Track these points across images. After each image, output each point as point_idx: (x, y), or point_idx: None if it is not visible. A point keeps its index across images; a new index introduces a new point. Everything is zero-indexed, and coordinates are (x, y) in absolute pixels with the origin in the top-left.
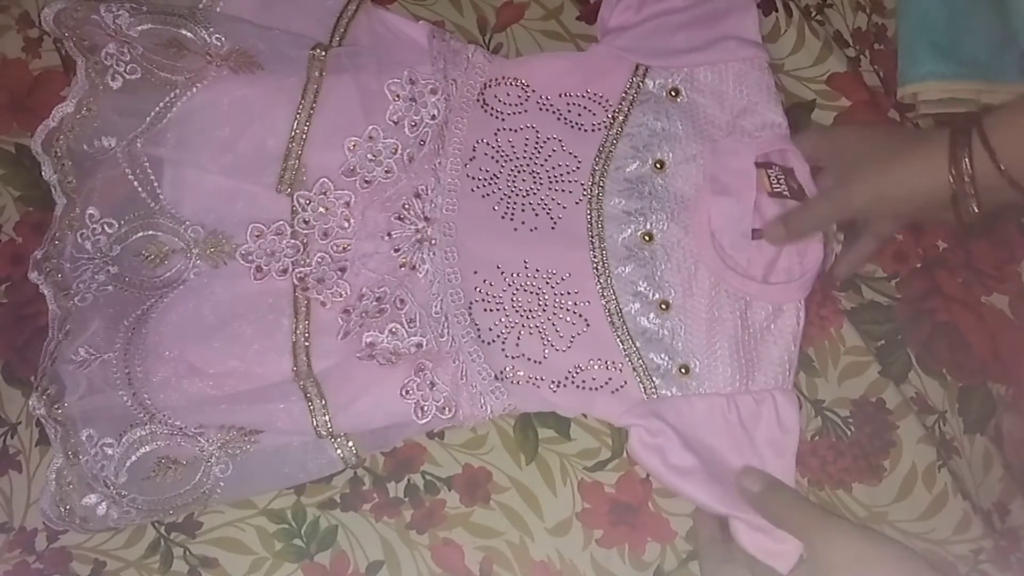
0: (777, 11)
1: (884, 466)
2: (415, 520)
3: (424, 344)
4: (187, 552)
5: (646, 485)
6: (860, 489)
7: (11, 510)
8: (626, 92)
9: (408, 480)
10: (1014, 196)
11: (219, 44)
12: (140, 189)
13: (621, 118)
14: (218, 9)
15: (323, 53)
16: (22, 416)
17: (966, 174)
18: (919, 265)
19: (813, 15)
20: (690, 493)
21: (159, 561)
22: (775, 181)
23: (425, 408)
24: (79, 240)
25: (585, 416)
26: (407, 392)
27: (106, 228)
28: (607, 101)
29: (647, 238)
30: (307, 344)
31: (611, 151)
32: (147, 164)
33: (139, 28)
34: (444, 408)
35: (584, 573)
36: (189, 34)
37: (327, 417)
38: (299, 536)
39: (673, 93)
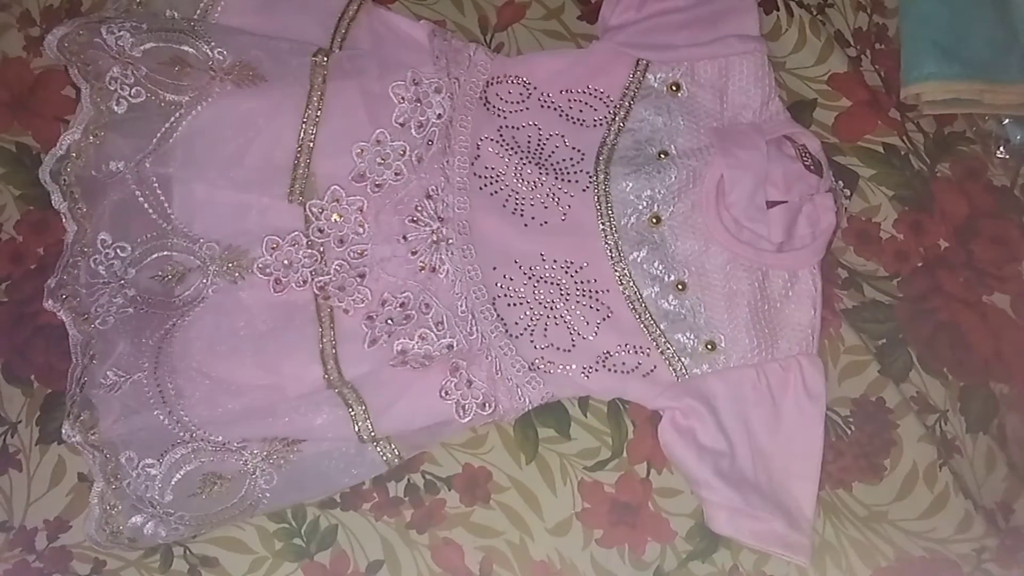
0: (778, 10)
1: (884, 465)
2: (415, 519)
3: (455, 345)
4: (187, 551)
5: (646, 485)
6: (860, 488)
7: (11, 509)
8: (627, 88)
9: (408, 479)
10: None
11: (221, 58)
12: (150, 210)
13: (623, 113)
14: (219, 9)
15: (325, 59)
16: (22, 415)
17: None
18: (920, 264)
19: (814, 14)
20: (709, 480)
21: (159, 560)
22: (801, 152)
23: (466, 407)
24: (92, 265)
25: (586, 416)
26: (446, 393)
27: (119, 252)
28: (608, 97)
29: (655, 221)
30: (335, 351)
31: (614, 145)
32: (156, 184)
33: (142, 48)
34: (484, 404)
35: (584, 573)
36: (191, 50)
37: (368, 422)
38: (299, 535)
39: (674, 88)
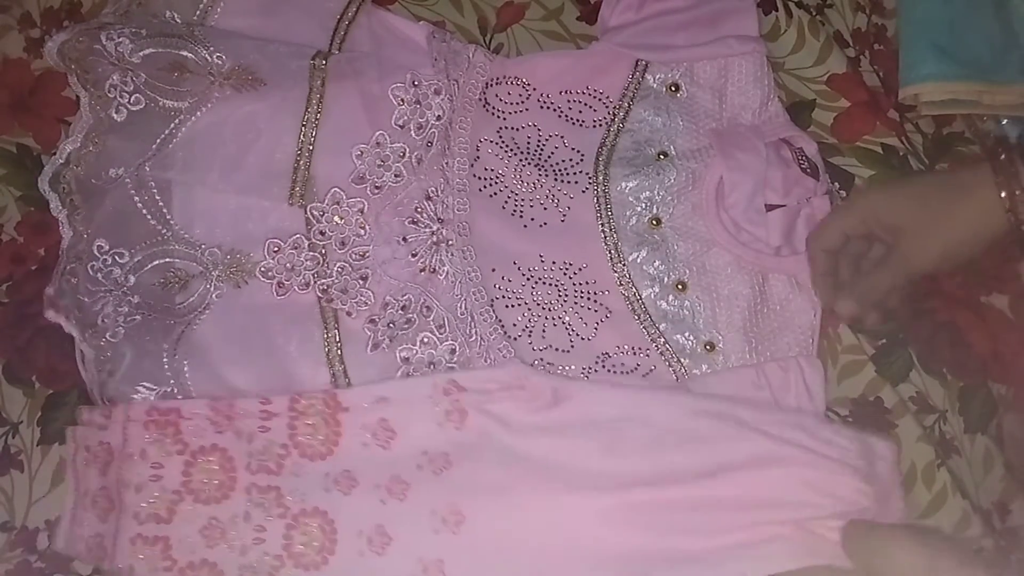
0: (777, 11)
1: None
2: None
3: (457, 348)
4: None
5: None
6: None
7: (13, 509)
8: (626, 88)
9: None
10: None
11: (220, 63)
12: (149, 216)
13: (622, 114)
14: (219, 11)
15: (323, 62)
16: (23, 415)
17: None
18: None
19: (813, 15)
20: None
21: None
22: (797, 156)
23: None
24: (91, 272)
25: None
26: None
27: (117, 259)
28: (608, 98)
29: (655, 223)
30: (340, 353)
31: (613, 146)
32: (155, 189)
33: (141, 54)
34: None
35: None
36: (190, 55)
37: None
38: None
39: (673, 88)
